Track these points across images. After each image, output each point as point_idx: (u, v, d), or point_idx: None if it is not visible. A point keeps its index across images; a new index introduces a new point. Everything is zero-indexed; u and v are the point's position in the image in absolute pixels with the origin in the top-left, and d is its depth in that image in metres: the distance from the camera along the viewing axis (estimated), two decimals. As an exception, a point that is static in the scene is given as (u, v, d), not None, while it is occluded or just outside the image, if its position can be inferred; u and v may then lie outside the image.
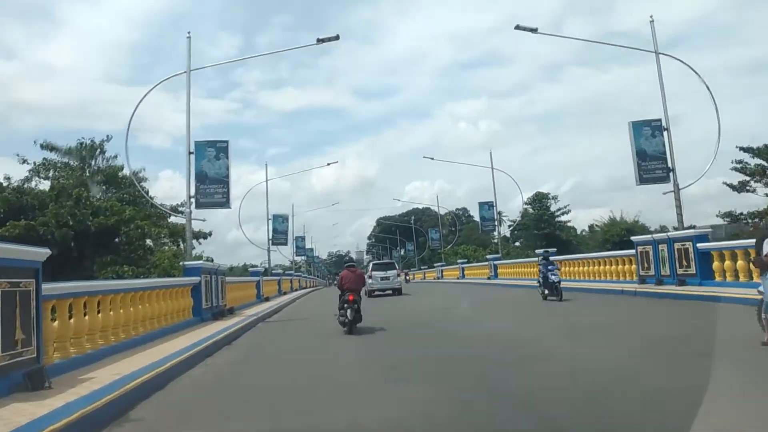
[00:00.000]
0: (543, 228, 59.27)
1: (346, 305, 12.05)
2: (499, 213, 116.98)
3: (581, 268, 24.17)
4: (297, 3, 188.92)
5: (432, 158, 40.28)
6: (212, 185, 17.36)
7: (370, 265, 26.72)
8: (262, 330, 14.34)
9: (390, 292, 27.26)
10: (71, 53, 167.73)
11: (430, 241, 62.41)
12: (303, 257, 69.38)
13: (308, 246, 75.91)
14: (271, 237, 36.86)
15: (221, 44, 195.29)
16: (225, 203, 17.50)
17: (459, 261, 46.66)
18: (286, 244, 38.93)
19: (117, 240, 19.10)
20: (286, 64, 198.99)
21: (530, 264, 30.67)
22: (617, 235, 44.95)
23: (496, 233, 42.21)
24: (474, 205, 74.75)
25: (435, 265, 56.83)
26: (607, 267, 21.88)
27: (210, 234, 33.98)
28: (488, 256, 38.14)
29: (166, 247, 21.60)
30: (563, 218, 60.38)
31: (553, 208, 59.85)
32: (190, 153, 17.17)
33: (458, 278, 44.92)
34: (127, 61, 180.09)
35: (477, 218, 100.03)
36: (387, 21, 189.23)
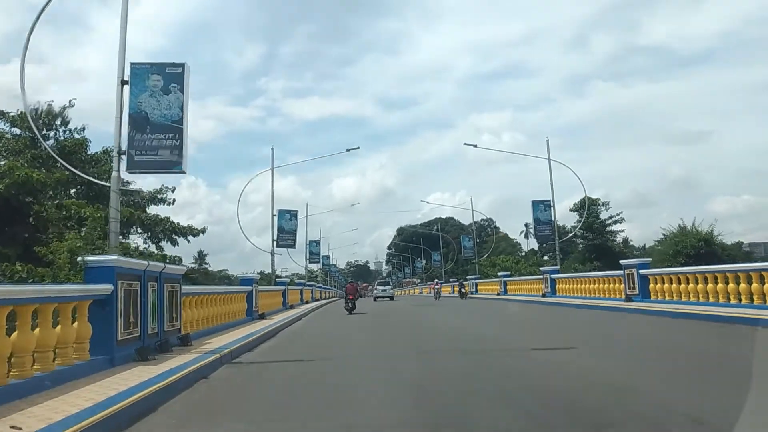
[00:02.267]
0: (592, 238, 52.02)
1: (347, 301, 24.88)
2: (526, 225, 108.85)
3: (709, 285, 17.04)
4: (322, 13, 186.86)
5: (475, 145, 33.56)
6: (156, 134, 10.79)
7: (376, 281, 29.68)
8: (214, 387, 7.63)
9: (388, 298, 41.16)
10: (99, 58, 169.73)
11: (462, 250, 55.37)
12: (318, 264, 62.60)
13: (324, 253, 69.40)
14: (275, 238, 30.15)
15: (245, 53, 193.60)
16: (176, 164, 10.85)
17: (500, 273, 39.59)
18: (293, 246, 32.29)
19: (31, 222, 12.63)
20: (311, 74, 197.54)
21: (608, 279, 23.61)
22: (692, 246, 37.66)
23: (550, 239, 35.07)
24: (500, 215, 66.39)
25: (468, 277, 49.76)
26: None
27: (202, 231, 27.50)
28: (544, 269, 31.12)
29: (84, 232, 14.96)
30: (615, 227, 53.09)
31: (603, 216, 52.62)
32: (123, 82, 10.70)
33: (499, 294, 37.90)
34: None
35: (503, 229, 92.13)
36: (412, 32, 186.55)
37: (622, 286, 21.90)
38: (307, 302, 38.30)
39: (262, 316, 19.74)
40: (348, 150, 31.63)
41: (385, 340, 13.28)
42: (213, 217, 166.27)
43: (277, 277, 69.07)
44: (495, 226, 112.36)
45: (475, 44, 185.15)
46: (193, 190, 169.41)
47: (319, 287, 56.15)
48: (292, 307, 28.77)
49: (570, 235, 39.92)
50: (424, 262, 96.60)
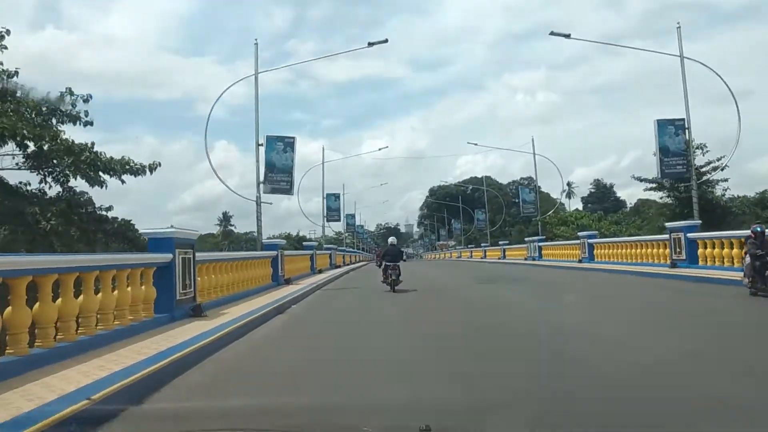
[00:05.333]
0: (683, 190, 40.86)
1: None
2: (569, 184, 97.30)
3: None
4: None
5: (568, 35, 22.70)
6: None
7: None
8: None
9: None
10: (130, 24, 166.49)
11: (521, 205, 44.73)
12: (339, 223, 52.43)
13: (349, 212, 59.28)
14: (262, 180, 19.91)
15: (274, 17, 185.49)
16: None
17: (582, 234, 29.13)
18: (289, 191, 21.15)
19: None
20: (340, 36, 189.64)
21: None
22: None
23: (683, 177, 24.57)
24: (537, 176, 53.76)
25: (527, 239, 39.40)
26: None
27: (150, 168, 17.80)
28: (674, 224, 20.74)
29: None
30: (714, 176, 41.74)
31: (698, 162, 41.22)
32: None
33: (581, 260, 27.65)
34: (181, 32, 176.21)
35: (544, 189, 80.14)
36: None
37: None
38: (320, 271, 28.64)
39: (197, 312, 9.99)
40: (371, 44, 21.15)
41: None
42: (245, 181, 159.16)
43: (305, 240, 59.70)
44: (537, 185, 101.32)
45: (506, 4, 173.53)
46: (226, 153, 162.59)
47: (342, 251, 46.41)
48: (288, 281, 19.07)
49: (719, 170, 29.04)
50: (458, 224, 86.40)
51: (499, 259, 45.47)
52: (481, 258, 52.84)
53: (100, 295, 7.44)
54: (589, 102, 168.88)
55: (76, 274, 6.76)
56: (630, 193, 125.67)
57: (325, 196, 42.23)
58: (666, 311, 11.06)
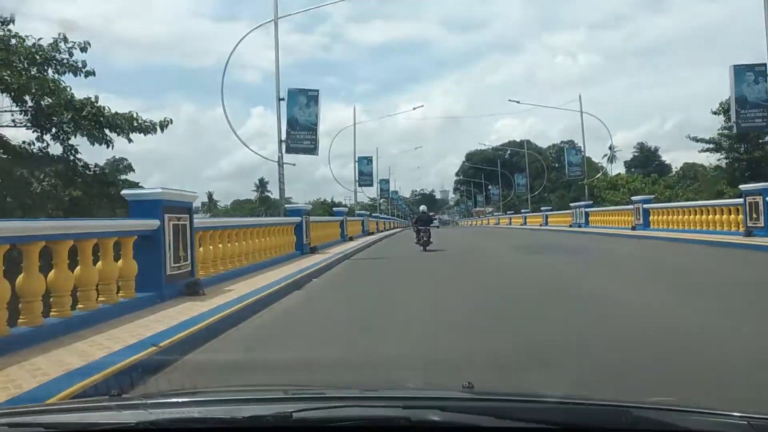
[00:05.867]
0: (744, 150, 37.67)
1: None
2: (611, 147, 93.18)
3: None
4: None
5: None
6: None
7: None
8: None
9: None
10: None
11: (567, 167, 42.05)
12: (371, 188, 50.30)
13: (381, 177, 57.18)
14: (283, 138, 17.86)
15: None
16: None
17: (637, 198, 26.57)
18: (313, 151, 18.32)
19: None
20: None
21: None
22: None
23: (764, 130, 21.89)
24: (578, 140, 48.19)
25: (572, 205, 36.95)
26: None
27: (162, 126, 16.37)
28: (749, 186, 18.14)
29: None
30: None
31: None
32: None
33: (634, 227, 25.25)
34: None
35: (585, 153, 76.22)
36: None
37: None
38: (351, 238, 27.04)
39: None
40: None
41: None
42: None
43: (335, 205, 58.16)
44: (577, 150, 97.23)
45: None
46: (264, 120, 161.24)
47: (376, 217, 44.71)
48: (314, 250, 17.43)
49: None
50: (496, 190, 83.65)
51: (540, 225, 43.10)
52: (521, 225, 50.50)
53: (52, 272, 5.81)
54: (631, 63, 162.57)
55: (6, 247, 5.09)
56: (674, 157, 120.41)
57: (356, 159, 40.39)
58: (753, 289, 8.94)
